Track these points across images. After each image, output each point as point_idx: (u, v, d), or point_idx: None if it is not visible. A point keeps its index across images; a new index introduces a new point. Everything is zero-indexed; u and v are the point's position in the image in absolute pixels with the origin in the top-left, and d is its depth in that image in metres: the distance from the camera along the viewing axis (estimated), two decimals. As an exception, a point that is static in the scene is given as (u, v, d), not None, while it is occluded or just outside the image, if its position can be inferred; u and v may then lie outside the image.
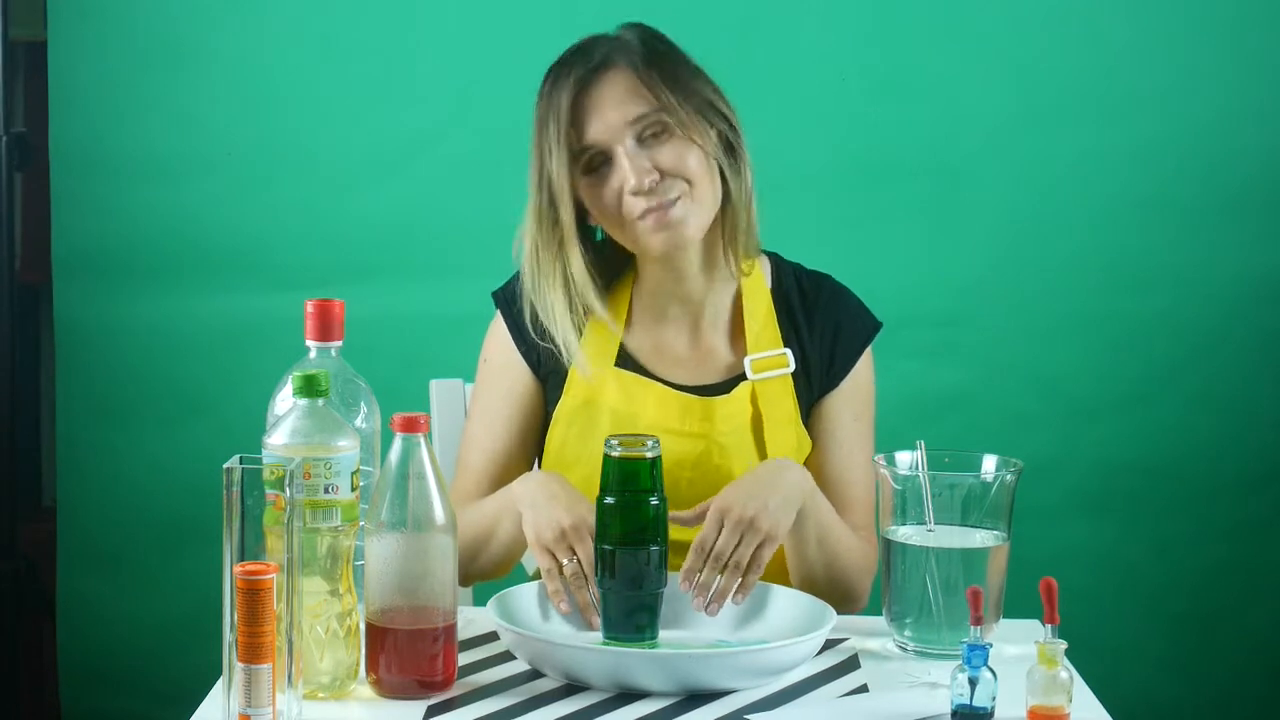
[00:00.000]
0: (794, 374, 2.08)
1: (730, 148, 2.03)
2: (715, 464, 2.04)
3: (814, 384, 2.10)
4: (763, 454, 2.05)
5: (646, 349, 2.10)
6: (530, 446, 2.13)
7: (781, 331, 2.10)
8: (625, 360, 2.08)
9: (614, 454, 1.80)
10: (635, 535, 1.79)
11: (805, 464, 2.08)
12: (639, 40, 2.02)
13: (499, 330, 2.14)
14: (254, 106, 3.05)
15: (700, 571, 1.84)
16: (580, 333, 2.05)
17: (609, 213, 2.01)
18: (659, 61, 2.00)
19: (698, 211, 2.00)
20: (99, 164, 3.06)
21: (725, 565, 1.84)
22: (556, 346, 2.06)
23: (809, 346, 2.10)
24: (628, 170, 1.97)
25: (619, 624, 1.81)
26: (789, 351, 2.08)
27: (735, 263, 2.06)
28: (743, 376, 2.07)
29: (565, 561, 1.84)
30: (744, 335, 2.09)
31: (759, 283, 2.10)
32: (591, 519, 1.83)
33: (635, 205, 1.98)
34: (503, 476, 2.08)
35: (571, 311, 2.03)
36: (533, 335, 2.08)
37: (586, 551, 1.83)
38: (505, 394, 2.11)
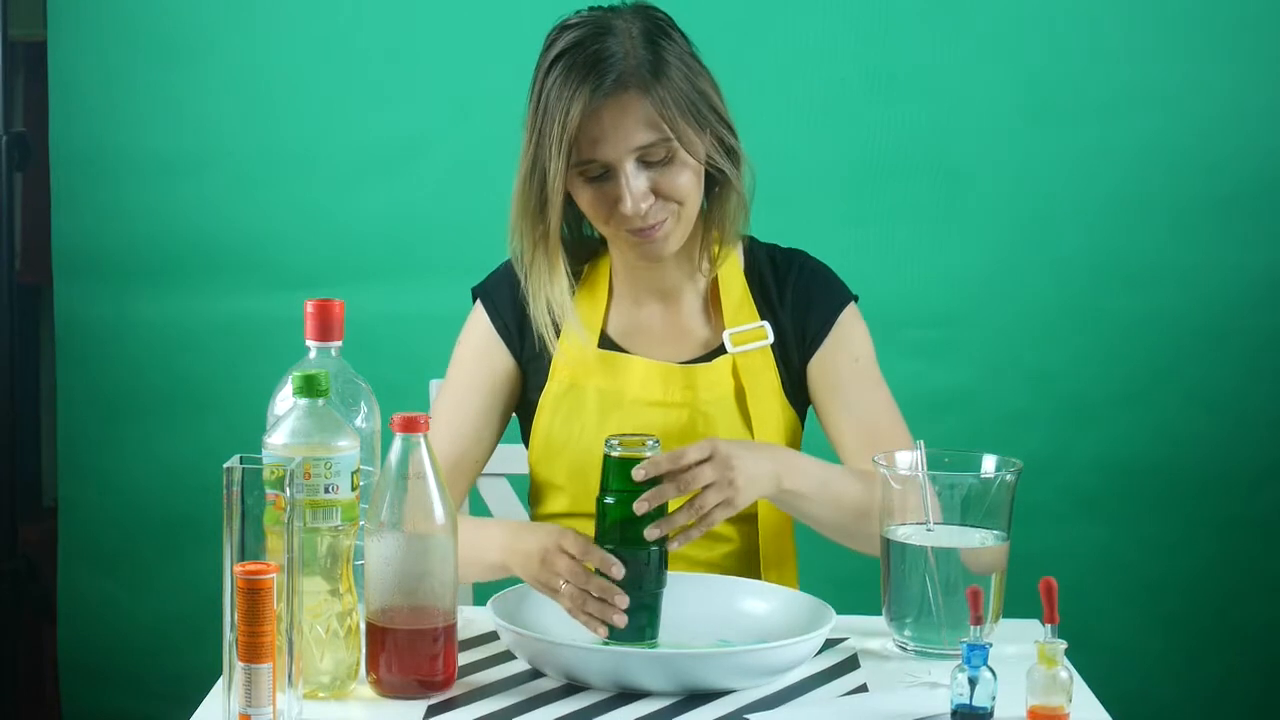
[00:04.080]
0: (773, 346, 2.10)
1: (725, 146, 2.03)
2: (700, 434, 2.05)
3: (792, 354, 2.11)
4: (748, 424, 2.07)
5: (625, 329, 2.12)
6: (494, 433, 2.14)
7: (756, 306, 2.11)
8: (605, 342, 2.10)
9: (614, 454, 1.79)
10: (636, 536, 1.79)
11: (825, 426, 2.11)
12: (649, 48, 1.97)
13: (479, 316, 2.15)
14: (254, 106, 3.06)
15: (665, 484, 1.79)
16: (560, 314, 2.06)
17: (597, 215, 2.02)
18: (670, 80, 1.97)
19: (681, 230, 2.03)
20: (99, 164, 3.06)
21: (690, 502, 1.81)
22: (546, 326, 2.06)
23: (783, 318, 2.11)
24: (626, 193, 1.96)
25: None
26: (766, 324, 2.10)
27: (709, 258, 2.09)
28: (721, 351, 2.09)
29: (561, 587, 1.81)
30: (720, 312, 2.11)
31: (732, 261, 2.12)
32: (555, 536, 1.82)
33: (624, 221, 1.99)
34: (462, 459, 2.09)
35: (554, 288, 2.04)
36: (514, 321, 2.10)
37: (566, 564, 1.80)
38: (483, 377, 2.12)
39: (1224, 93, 3.04)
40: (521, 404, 2.15)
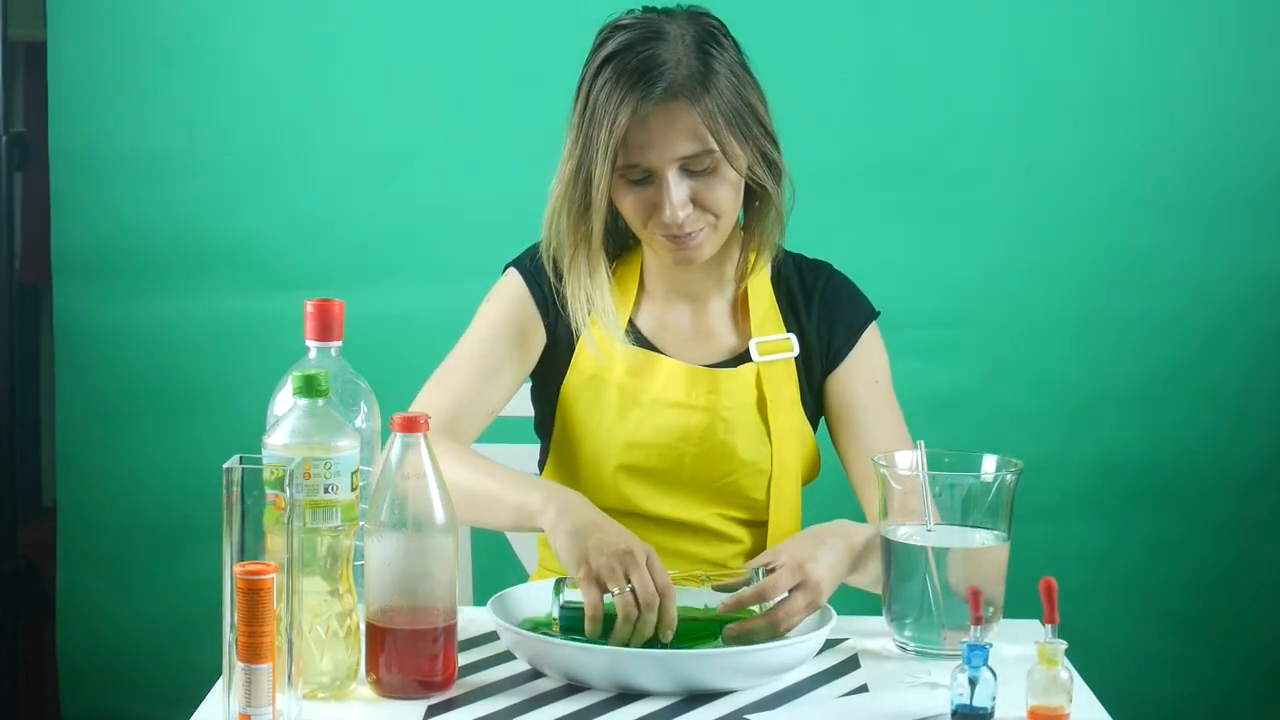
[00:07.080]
0: (796, 359, 2.10)
1: (768, 160, 2.03)
2: (720, 439, 2.06)
3: (815, 367, 2.12)
4: (768, 433, 2.07)
5: (653, 326, 2.12)
6: (509, 385, 2.10)
7: (782, 317, 2.12)
8: (634, 337, 2.10)
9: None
10: (683, 632, 1.77)
11: (835, 442, 2.12)
12: (700, 57, 1.98)
13: (514, 281, 2.12)
14: (254, 106, 3.05)
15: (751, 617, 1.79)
16: (600, 307, 2.05)
17: (635, 218, 2.02)
18: (719, 92, 1.97)
19: (715, 240, 2.04)
20: (99, 164, 3.06)
21: (774, 613, 1.79)
22: (582, 322, 2.06)
23: (808, 330, 2.12)
24: (666, 202, 1.97)
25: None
26: (793, 336, 2.10)
27: (743, 268, 2.10)
28: (745, 358, 2.09)
29: (615, 591, 1.75)
30: (747, 320, 2.11)
31: (760, 271, 2.12)
32: (646, 549, 1.78)
33: (661, 227, 2.00)
34: (475, 403, 2.06)
35: (595, 288, 2.05)
36: (550, 296, 2.09)
37: (643, 579, 1.75)
38: (512, 328, 2.10)
39: (1225, 93, 3.04)
40: (541, 392, 2.15)
